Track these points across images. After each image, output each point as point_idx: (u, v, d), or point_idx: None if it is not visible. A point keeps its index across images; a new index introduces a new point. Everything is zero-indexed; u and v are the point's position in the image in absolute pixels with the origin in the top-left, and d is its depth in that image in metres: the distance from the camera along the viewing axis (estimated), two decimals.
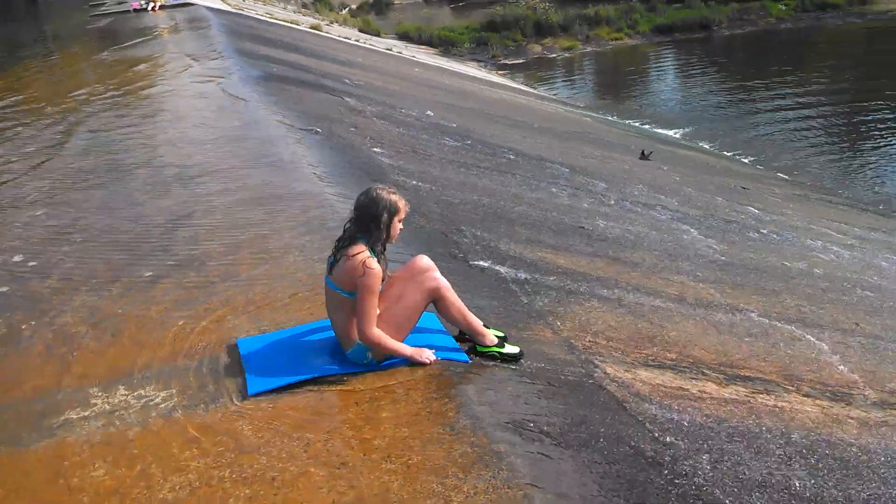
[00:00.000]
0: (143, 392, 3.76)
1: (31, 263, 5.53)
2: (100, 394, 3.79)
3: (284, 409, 3.54)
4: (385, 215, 3.85)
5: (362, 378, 3.80)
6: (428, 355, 3.94)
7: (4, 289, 5.19)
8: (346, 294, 3.84)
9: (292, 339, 4.19)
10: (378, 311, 3.91)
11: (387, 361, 3.93)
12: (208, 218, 6.19)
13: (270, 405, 3.58)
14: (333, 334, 4.05)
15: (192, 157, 8.03)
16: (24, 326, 4.60)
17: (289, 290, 4.80)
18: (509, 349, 4.14)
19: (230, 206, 6.45)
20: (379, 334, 3.82)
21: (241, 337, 4.23)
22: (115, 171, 7.74)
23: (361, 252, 3.82)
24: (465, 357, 4.07)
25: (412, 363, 3.92)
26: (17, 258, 5.67)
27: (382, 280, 3.87)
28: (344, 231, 3.97)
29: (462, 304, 4.06)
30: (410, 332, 4.04)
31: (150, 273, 5.19)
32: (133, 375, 3.93)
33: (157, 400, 3.68)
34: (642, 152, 13.92)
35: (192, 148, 8.47)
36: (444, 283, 3.99)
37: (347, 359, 3.95)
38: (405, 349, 3.91)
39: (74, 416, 3.60)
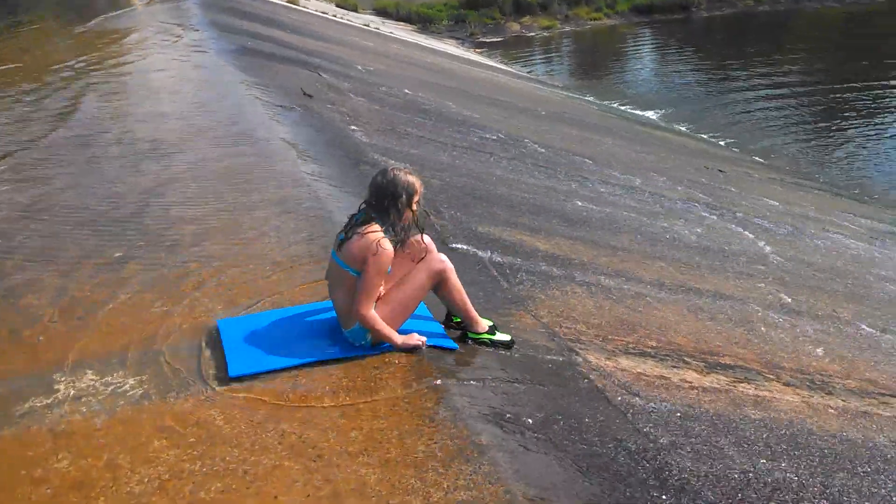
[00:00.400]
0: (111, 378, 3.63)
1: None
2: (66, 380, 3.65)
3: (258, 398, 3.42)
4: (403, 196, 3.75)
5: (338, 366, 3.69)
6: (418, 338, 3.85)
7: None
8: (353, 272, 3.74)
9: (276, 322, 4.07)
10: (381, 292, 3.82)
11: (383, 345, 3.85)
12: (180, 196, 6.04)
13: (244, 393, 3.46)
14: (319, 318, 3.98)
15: (165, 133, 7.85)
16: None
17: (263, 273, 4.68)
18: (501, 336, 4.08)
19: (203, 183, 6.29)
20: (374, 316, 3.73)
21: (218, 318, 4.11)
22: (85, 147, 7.54)
23: (376, 231, 3.72)
24: (453, 344, 3.99)
25: (402, 350, 3.83)
26: None
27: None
28: (359, 210, 3.87)
29: (462, 288, 3.99)
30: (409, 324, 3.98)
31: (120, 253, 5.03)
32: (101, 360, 3.79)
33: (126, 387, 3.55)
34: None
35: (165, 123, 8.28)
36: (449, 266, 3.93)
37: (335, 344, 3.86)
38: (396, 337, 3.82)
39: (38, 404, 3.46)
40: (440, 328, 4.13)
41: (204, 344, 3.90)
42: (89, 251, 5.10)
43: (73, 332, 4.08)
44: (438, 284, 3.94)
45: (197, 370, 3.67)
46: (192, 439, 3.16)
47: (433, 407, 3.34)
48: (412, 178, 3.80)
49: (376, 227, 3.74)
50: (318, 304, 4.23)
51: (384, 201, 3.75)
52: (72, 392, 3.54)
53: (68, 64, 12.48)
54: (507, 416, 3.35)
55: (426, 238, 4.04)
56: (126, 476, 2.95)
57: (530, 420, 3.35)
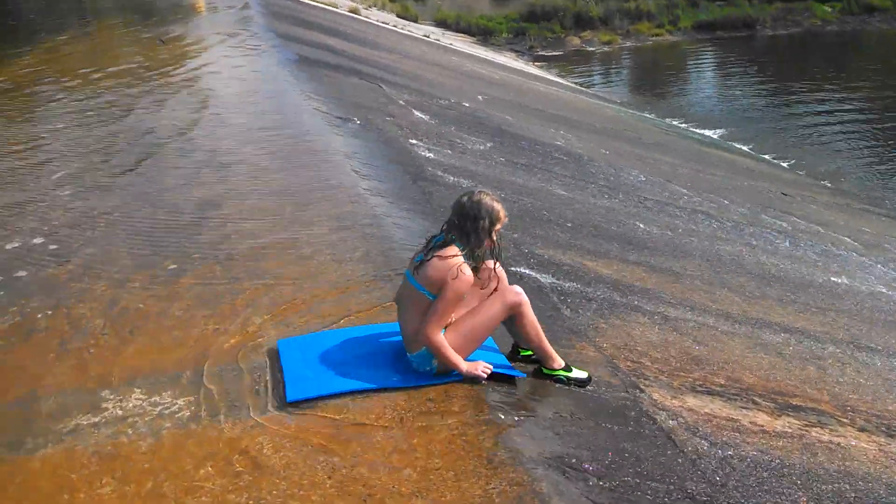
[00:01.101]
0: (158, 398, 3.53)
1: (51, 247, 5.32)
2: (113, 397, 3.56)
3: (309, 427, 3.28)
4: (486, 221, 3.63)
5: (395, 395, 3.54)
6: (484, 368, 3.69)
7: (21, 273, 4.98)
8: (428, 295, 3.61)
9: (337, 344, 3.94)
10: (452, 319, 3.70)
11: (447, 377, 3.71)
12: (237, 209, 5.97)
13: (294, 421, 3.33)
14: (382, 341, 3.88)
15: (224, 144, 7.82)
16: (38, 316, 4.40)
17: (318, 292, 4.56)
18: (577, 374, 3.91)
19: (261, 197, 6.22)
20: (442, 341, 3.60)
21: (279, 338, 4.01)
22: (145, 155, 7.53)
23: (457, 255, 3.60)
24: (520, 373, 3.84)
25: (467, 380, 3.68)
26: (37, 240, 5.47)
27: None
28: (440, 230, 3.76)
29: (537, 322, 3.83)
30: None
31: (175, 266, 4.96)
32: (150, 378, 3.71)
33: (174, 408, 3.45)
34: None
35: (225, 134, 8.26)
36: (525, 299, 3.78)
37: (398, 371, 3.73)
38: (462, 364, 3.67)
39: (85, 422, 3.38)
40: (505, 360, 3.96)
41: (255, 365, 3.78)
42: (143, 262, 5.04)
43: (122, 347, 4.01)
44: (512, 318, 3.78)
45: (247, 393, 3.56)
46: (239, 468, 3.03)
47: (492, 447, 3.16)
48: (497, 206, 3.69)
49: (456, 250, 3.62)
50: (381, 327, 4.10)
51: (466, 223, 3.64)
52: (119, 412, 3.45)
53: (130, 69, 12.60)
54: (570, 460, 3.15)
55: (499, 268, 3.90)
56: None
57: (593, 466, 3.15)
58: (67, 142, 8.02)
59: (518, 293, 3.78)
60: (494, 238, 3.73)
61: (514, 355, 4.06)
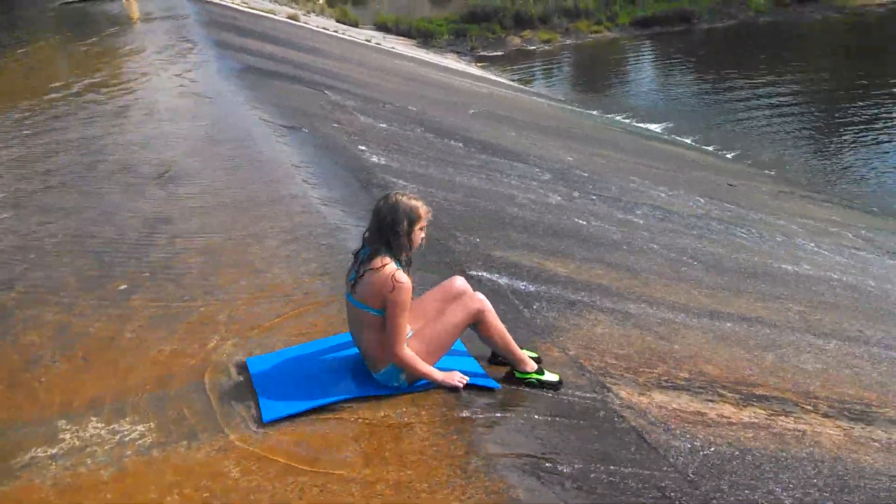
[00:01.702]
0: (117, 426, 3.40)
1: None
2: (70, 427, 3.42)
3: (276, 447, 3.19)
4: (404, 223, 3.54)
5: (363, 408, 3.46)
6: (459, 378, 3.65)
7: None
8: (374, 312, 3.54)
9: (307, 358, 3.86)
10: (412, 331, 3.64)
11: (418, 383, 3.65)
12: (187, 224, 5.81)
13: (260, 442, 3.23)
14: (349, 352, 3.81)
15: (169, 158, 7.63)
16: None
17: (274, 306, 4.46)
18: (549, 377, 3.87)
19: (210, 211, 6.07)
20: (411, 356, 3.53)
21: (237, 356, 3.91)
22: (87, 172, 7.32)
23: (388, 265, 3.52)
24: (494, 384, 3.78)
25: (443, 388, 3.63)
26: None
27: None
28: (362, 242, 3.67)
29: (503, 327, 3.78)
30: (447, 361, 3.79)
31: (125, 286, 4.81)
32: (106, 405, 3.57)
33: (134, 435, 3.33)
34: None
35: (168, 147, 8.07)
36: (488, 306, 3.72)
37: (370, 380, 3.66)
38: (436, 374, 3.62)
39: (41, 454, 3.24)
40: (477, 365, 3.92)
41: (215, 386, 3.67)
42: (92, 283, 4.88)
43: (76, 374, 3.86)
44: (477, 325, 3.73)
45: (209, 416, 3.45)
46: (206, 494, 2.94)
47: (464, 455, 3.11)
48: (415, 203, 3.59)
49: (386, 258, 3.54)
50: (347, 336, 4.00)
51: (385, 230, 3.55)
52: (77, 442, 3.32)
53: (67, 84, 12.30)
54: (544, 464, 3.12)
55: (461, 280, 3.92)
56: None
57: (568, 469, 3.12)
58: (6, 162, 7.77)
59: (480, 300, 3.73)
60: (419, 237, 3.64)
61: (492, 359, 4.02)
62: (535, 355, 4.03)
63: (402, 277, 3.50)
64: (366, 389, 3.60)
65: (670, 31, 36.76)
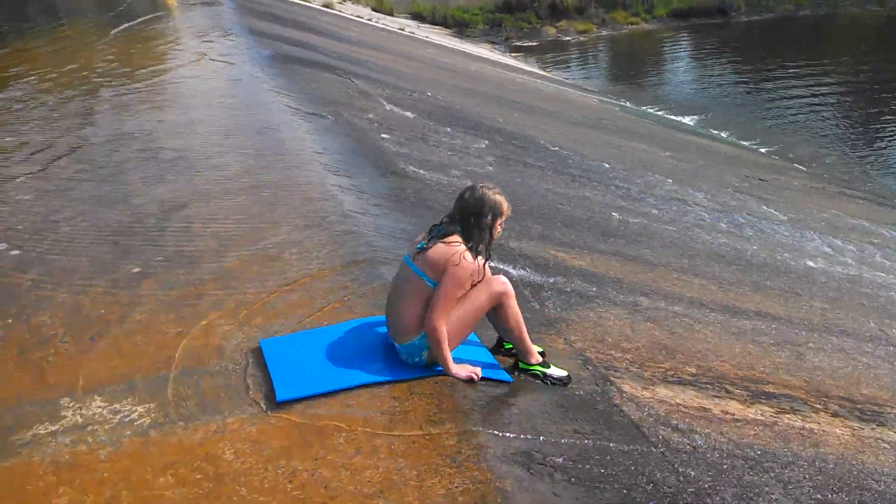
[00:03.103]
0: (119, 406, 3.45)
1: (12, 253, 5.21)
2: (73, 406, 3.48)
3: (270, 431, 3.22)
4: (489, 216, 3.61)
5: (358, 397, 3.47)
6: (475, 373, 3.66)
7: None
8: (428, 281, 3.59)
9: (322, 341, 3.89)
10: None
11: (436, 367, 3.69)
12: (203, 209, 5.87)
13: (256, 426, 3.26)
14: (365, 337, 3.88)
15: (191, 143, 7.69)
16: None
17: (284, 292, 4.49)
18: (555, 372, 3.86)
19: (227, 196, 6.12)
20: (444, 334, 3.56)
21: (243, 340, 3.96)
22: (111, 155, 7.41)
23: (460, 244, 3.58)
24: (508, 377, 3.78)
25: (455, 378, 3.65)
26: None
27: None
28: (441, 223, 3.71)
29: (520, 315, 3.79)
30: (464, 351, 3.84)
31: (138, 269, 4.86)
32: (110, 385, 3.62)
33: (134, 415, 3.38)
34: None
35: (192, 133, 8.13)
36: (511, 290, 3.75)
37: (385, 365, 3.70)
38: (452, 365, 3.64)
39: (42, 432, 3.30)
40: (490, 357, 3.94)
41: (217, 369, 3.71)
42: (106, 267, 4.94)
43: (83, 354, 3.92)
44: (497, 309, 3.75)
45: (209, 398, 3.48)
46: (198, 476, 2.97)
47: (455, 445, 3.11)
48: (499, 198, 3.66)
49: (459, 238, 3.60)
50: (362, 322, 4.06)
51: (469, 219, 3.60)
52: (78, 420, 3.37)
53: (97, 69, 12.43)
54: (536, 456, 3.11)
55: (480, 260, 3.87)
56: None
57: (560, 460, 3.11)
58: (32, 146, 7.88)
59: (504, 283, 3.76)
60: (497, 232, 3.71)
61: (498, 348, 4.05)
62: (540, 349, 4.02)
63: (469, 259, 3.56)
64: (381, 376, 3.62)
65: (708, 23, 36.40)
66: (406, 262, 3.71)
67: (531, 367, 3.84)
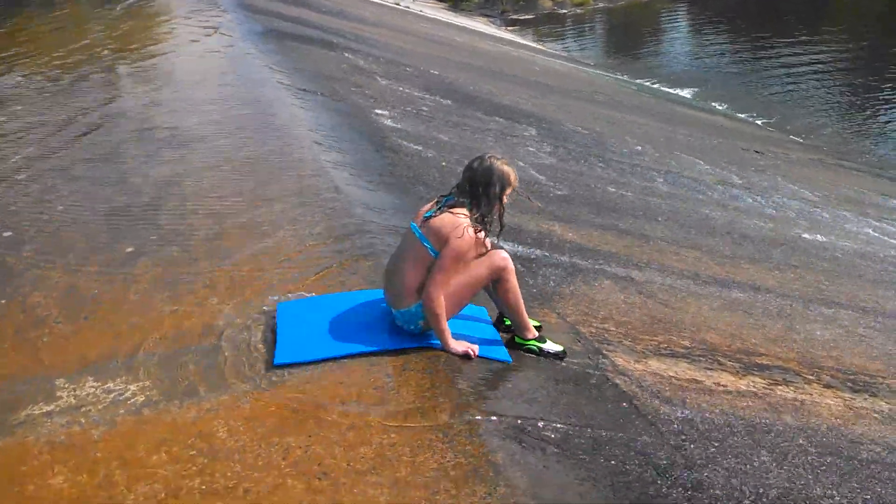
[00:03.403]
0: (112, 385, 3.46)
1: (6, 234, 5.21)
2: (67, 385, 3.49)
3: (264, 408, 3.23)
4: (497, 186, 3.61)
5: (352, 371, 3.49)
6: (472, 349, 3.67)
7: None
8: (431, 249, 3.59)
9: (332, 309, 3.93)
10: None
11: (430, 336, 3.71)
12: (197, 187, 5.86)
13: (249, 402, 3.28)
14: (375, 307, 3.90)
15: (185, 121, 7.67)
16: None
17: (277, 269, 4.49)
18: (551, 346, 3.87)
19: (221, 174, 6.11)
20: (441, 305, 3.56)
21: (236, 317, 3.99)
22: (104, 134, 7.38)
23: (465, 216, 3.58)
24: (507, 357, 3.78)
25: (451, 353, 3.66)
26: None
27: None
28: (450, 193, 3.72)
29: (519, 290, 3.80)
30: (457, 322, 3.86)
31: (132, 248, 4.86)
32: (104, 365, 3.63)
33: (127, 394, 3.39)
34: None
35: (186, 110, 8.11)
36: (511, 266, 3.75)
37: (387, 334, 3.73)
38: (450, 339, 3.65)
39: (37, 412, 3.31)
40: (496, 334, 3.96)
41: (210, 347, 3.72)
42: (101, 245, 4.94)
43: (78, 334, 3.93)
44: (496, 283, 3.75)
45: (202, 376, 3.49)
46: (192, 452, 2.98)
47: (448, 419, 3.13)
48: (507, 169, 3.66)
49: (465, 211, 3.60)
50: (376, 291, 4.07)
51: (477, 188, 3.61)
52: (72, 400, 3.38)
53: (90, 48, 12.37)
54: (528, 429, 3.13)
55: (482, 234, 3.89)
56: (122, 494, 2.78)
57: (552, 434, 3.13)
58: (24, 124, 7.85)
59: (504, 258, 3.75)
60: (505, 202, 3.70)
61: (498, 324, 4.07)
62: (537, 324, 4.04)
63: (472, 233, 3.55)
64: (381, 345, 3.66)
65: None
66: (412, 229, 3.71)
67: (527, 343, 3.85)
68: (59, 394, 3.44)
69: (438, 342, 3.68)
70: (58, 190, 5.95)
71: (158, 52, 11.68)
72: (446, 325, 3.63)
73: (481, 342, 3.79)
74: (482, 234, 3.67)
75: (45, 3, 19.34)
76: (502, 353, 3.80)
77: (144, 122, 7.74)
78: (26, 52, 12.41)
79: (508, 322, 4.02)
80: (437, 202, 3.73)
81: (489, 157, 3.66)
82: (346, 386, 3.37)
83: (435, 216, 3.62)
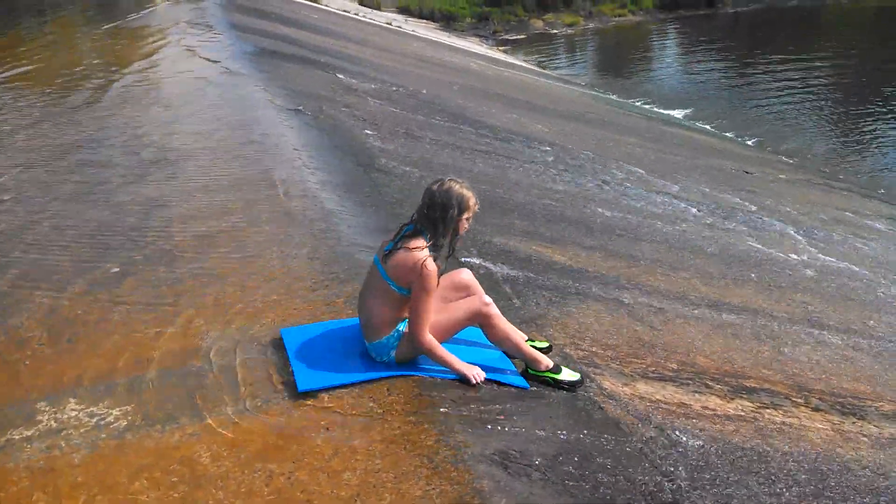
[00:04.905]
0: (94, 408, 3.42)
1: None
2: (48, 409, 3.45)
3: (247, 434, 3.19)
4: (454, 210, 3.59)
5: (333, 397, 3.45)
6: (477, 373, 3.67)
7: None
8: (395, 287, 3.60)
9: (342, 334, 3.95)
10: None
11: (406, 368, 3.70)
12: (184, 207, 5.84)
13: (232, 428, 3.24)
14: None
15: (172, 140, 7.66)
16: None
17: (263, 291, 4.46)
18: (567, 376, 3.83)
19: (209, 194, 6.09)
20: (432, 341, 3.60)
21: (219, 341, 3.94)
22: (91, 153, 7.36)
23: (422, 249, 3.56)
24: (524, 383, 3.77)
25: (459, 378, 3.66)
26: None
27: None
28: (410, 219, 3.71)
29: (511, 328, 3.81)
30: (468, 350, 3.90)
31: (117, 269, 4.83)
32: (87, 388, 3.59)
33: (110, 418, 3.35)
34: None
35: (174, 130, 8.10)
36: (494, 312, 3.75)
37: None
38: (456, 363, 3.65)
39: (17, 437, 3.26)
40: (509, 363, 3.94)
41: (194, 371, 3.68)
42: (85, 266, 4.91)
43: (60, 356, 3.89)
44: (483, 328, 3.77)
45: (185, 400, 3.46)
46: (174, 479, 2.94)
47: (433, 445, 3.09)
48: (466, 193, 3.64)
49: (422, 241, 3.58)
50: None
51: (435, 211, 3.59)
52: (53, 424, 3.34)
53: (81, 67, 12.35)
54: (514, 455, 3.10)
55: (467, 273, 3.99)
56: None
57: (538, 460, 3.09)
58: (11, 143, 7.82)
59: (486, 304, 3.75)
60: (464, 227, 3.69)
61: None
62: (545, 344, 4.07)
63: (431, 265, 3.53)
64: (398, 371, 3.68)
65: (695, 14, 36.44)
66: (375, 263, 3.71)
67: (541, 374, 3.82)
68: (39, 417, 3.39)
69: (443, 368, 3.70)
70: (44, 210, 5.91)
71: (147, 72, 11.67)
72: (446, 353, 3.65)
73: (495, 371, 3.79)
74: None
75: (37, 16, 19.35)
76: (518, 379, 3.79)
77: (132, 141, 7.72)
78: (16, 68, 12.38)
79: (544, 343, 4.07)
80: (398, 232, 3.72)
81: (448, 181, 3.65)
82: (331, 412, 3.34)
83: (392, 252, 3.61)
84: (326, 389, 3.49)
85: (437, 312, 3.70)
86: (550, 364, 3.83)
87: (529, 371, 3.84)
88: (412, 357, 3.74)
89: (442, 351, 3.62)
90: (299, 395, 3.45)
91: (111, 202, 6.00)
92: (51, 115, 9.09)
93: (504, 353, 3.98)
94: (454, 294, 3.89)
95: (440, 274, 3.61)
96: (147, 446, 3.15)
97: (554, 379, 3.80)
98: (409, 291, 3.59)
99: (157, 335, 4.03)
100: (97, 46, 14.46)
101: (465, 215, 3.65)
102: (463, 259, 5.26)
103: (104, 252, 5.12)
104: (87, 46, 14.72)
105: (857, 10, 35.93)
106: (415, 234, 3.61)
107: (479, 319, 3.73)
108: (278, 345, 3.88)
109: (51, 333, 4.11)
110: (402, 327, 3.70)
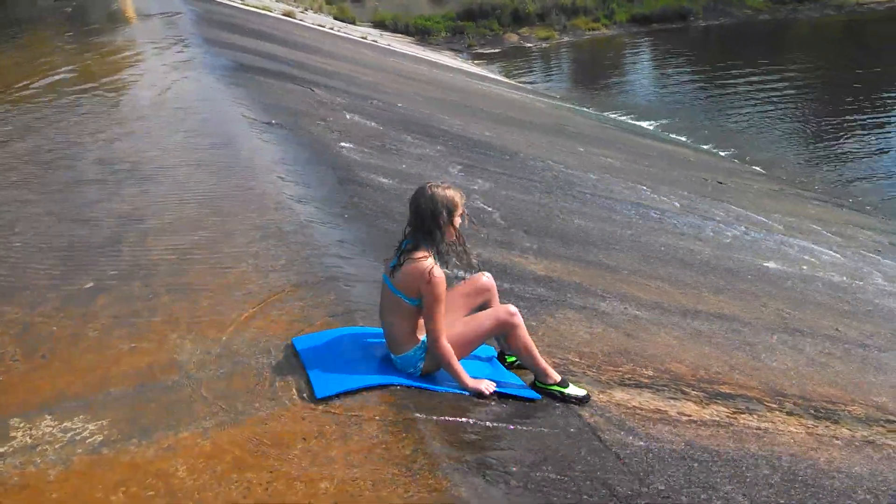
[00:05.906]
0: (69, 424, 3.39)
1: None
2: (23, 425, 3.41)
3: (225, 445, 3.18)
4: (444, 213, 3.60)
5: (311, 405, 3.45)
6: (487, 386, 3.70)
7: None
8: (407, 300, 3.63)
9: (354, 340, 3.99)
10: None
11: (426, 381, 3.74)
12: (158, 222, 5.81)
13: (209, 440, 3.22)
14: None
15: (147, 155, 7.62)
16: None
17: (238, 305, 4.45)
18: (574, 391, 3.85)
19: (182, 208, 6.06)
20: (449, 351, 3.62)
21: (200, 352, 3.93)
22: (65, 168, 7.32)
23: (426, 258, 3.59)
24: (535, 395, 3.79)
25: (468, 391, 3.69)
26: None
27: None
28: (404, 235, 3.73)
29: (530, 340, 3.83)
30: (482, 369, 3.95)
31: (91, 284, 4.80)
32: (61, 404, 3.56)
33: (85, 433, 3.32)
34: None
35: (149, 144, 8.06)
36: (519, 321, 3.77)
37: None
38: (466, 378, 3.68)
39: None
40: (516, 378, 3.98)
41: (169, 384, 3.67)
42: (59, 282, 4.87)
43: (34, 373, 3.85)
44: (506, 335, 3.80)
45: (161, 413, 3.44)
46: (150, 493, 2.92)
47: (411, 454, 3.09)
48: (451, 192, 3.66)
49: (424, 251, 3.61)
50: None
51: (425, 221, 3.61)
52: (28, 440, 3.30)
53: (56, 80, 12.29)
54: (491, 462, 3.11)
55: (487, 276, 4.01)
56: None
57: (515, 467, 3.11)
58: None
59: (512, 314, 3.77)
60: (457, 226, 3.71)
61: (501, 359, 4.12)
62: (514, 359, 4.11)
63: (438, 272, 3.56)
64: (411, 379, 3.72)
65: (668, 28, 36.84)
66: (385, 281, 3.74)
67: (549, 387, 3.84)
68: (13, 434, 3.36)
69: (441, 378, 3.75)
70: (15, 225, 5.86)
71: (121, 85, 11.63)
72: (460, 367, 3.67)
73: (504, 385, 3.82)
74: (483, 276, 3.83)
75: (7, 33, 19.23)
76: (529, 392, 3.82)
77: (106, 155, 7.68)
78: None
79: (511, 359, 4.09)
80: (398, 249, 3.74)
81: (430, 187, 3.66)
82: (308, 421, 3.33)
83: (398, 267, 3.64)
84: (303, 398, 3.49)
85: (462, 324, 3.77)
86: (559, 378, 3.85)
87: (538, 383, 3.87)
88: (437, 369, 3.78)
89: (456, 364, 3.66)
90: (274, 406, 3.45)
91: (86, 217, 5.96)
92: (19, 130, 9.02)
93: (520, 362, 4.01)
94: (476, 298, 3.95)
95: (459, 280, 3.66)
96: (123, 461, 3.13)
97: (562, 393, 3.82)
98: (420, 302, 3.62)
99: (131, 350, 4.00)
100: (69, 61, 14.38)
101: (457, 213, 3.67)
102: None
103: (78, 268, 5.08)
104: (60, 60, 14.63)
105: (826, 24, 36.45)
106: (415, 246, 3.64)
107: (506, 329, 3.77)
108: (254, 357, 3.88)
109: (25, 350, 4.07)
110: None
